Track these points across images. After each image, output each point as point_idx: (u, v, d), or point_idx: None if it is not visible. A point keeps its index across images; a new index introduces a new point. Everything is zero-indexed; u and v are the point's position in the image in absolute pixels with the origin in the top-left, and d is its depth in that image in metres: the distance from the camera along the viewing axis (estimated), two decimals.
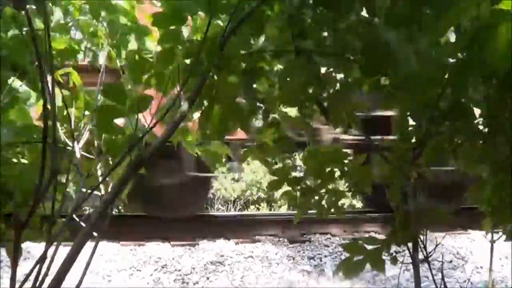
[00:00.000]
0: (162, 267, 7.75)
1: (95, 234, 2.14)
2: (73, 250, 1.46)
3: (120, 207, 16.06)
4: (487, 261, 8.06)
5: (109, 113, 1.94)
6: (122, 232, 8.97)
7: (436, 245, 2.26)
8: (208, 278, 7.47)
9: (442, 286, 2.71)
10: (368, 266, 6.98)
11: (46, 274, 1.56)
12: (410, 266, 6.91)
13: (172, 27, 2.19)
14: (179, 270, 7.66)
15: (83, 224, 1.83)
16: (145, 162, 1.59)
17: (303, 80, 2.21)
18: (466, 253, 8.65)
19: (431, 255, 2.21)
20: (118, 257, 8.01)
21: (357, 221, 9.87)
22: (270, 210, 14.24)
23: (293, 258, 8.19)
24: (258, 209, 15.53)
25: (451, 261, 8.37)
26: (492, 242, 2.39)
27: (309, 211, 2.74)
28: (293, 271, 7.74)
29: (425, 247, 2.21)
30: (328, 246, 8.47)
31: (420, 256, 2.33)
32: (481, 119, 2.16)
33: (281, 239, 9.07)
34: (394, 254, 2.19)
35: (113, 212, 1.98)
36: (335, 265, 7.83)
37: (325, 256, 8.12)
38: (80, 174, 1.82)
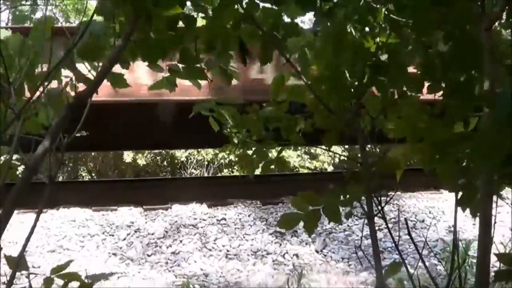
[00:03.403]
0: (135, 231, 7.73)
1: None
2: None
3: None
4: (459, 220, 8.17)
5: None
6: (94, 198, 9.00)
7: (388, 200, 2.24)
8: (181, 241, 7.46)
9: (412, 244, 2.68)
10: (341, 226, 6.96)
11: None
12: (383, 227, 6.90)
13: None
14: (152, 234, 7.65)
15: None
16: (83, 103, 1.53)
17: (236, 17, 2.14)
18: (438, 212, 8.74)
19: (383, 207, 2.18)
20: (91, 223, 7.97)
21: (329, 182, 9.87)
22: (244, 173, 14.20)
23: (266, 220, 8.21)
24: (232, 172, 15.56)
25: (423, 220, 8.44)
26: (457, 199, 2.36)
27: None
28: (266, 233, 7.75)
29: (380, 202, 2.19)
30: None
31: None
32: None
33: (253, 201, 9.08)
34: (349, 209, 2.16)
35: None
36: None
37: None
38: (17, 117, 1.72)
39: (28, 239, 1.97)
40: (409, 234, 2.85)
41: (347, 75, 2.16)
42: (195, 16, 2.18)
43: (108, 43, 2.00)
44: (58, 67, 1.84)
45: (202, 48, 2.21)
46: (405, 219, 3.06)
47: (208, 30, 2.14)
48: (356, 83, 2.16)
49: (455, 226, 2.36)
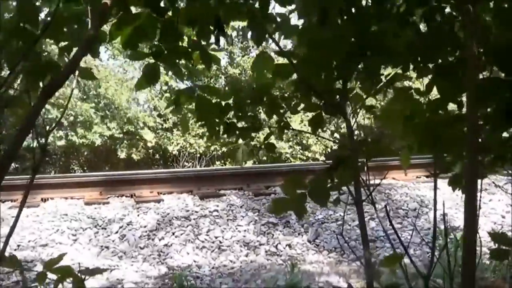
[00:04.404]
0: (128, 224, 7.71)
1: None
2: None
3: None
4: (451, 208, 8.20)
5: None
6: (86, 191, 9.00)
7: (377, 185, 2.23)
8: (173, 234, 7.45)
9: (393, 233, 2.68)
10: (334, 216, 6.95)
11: None
12: (375, 216, 6.88)
13: None
14: (145, 227, 7.63)
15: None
16: (58, 87, 1.51)
17: None
18: (430, 201, 8.77)
19: (372, 191, 2.18)
20: (83, 216, 7.95)
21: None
22: (235, 164, 14.17)
23: (258, 211, 8.22)
24: (224, 164, 15.55)
25: (415, 209, 8.47)
26: (435, 177, 2.39)
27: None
28: (259, 224, 7.76)
29: (368, 188, 2.18)
30: None
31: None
32: None
33: (246, 192, 9.11)
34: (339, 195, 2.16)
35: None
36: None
37: None
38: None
39: (10, 233, 1.94)
40: (390, 222, 2.85)
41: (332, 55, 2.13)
42: None
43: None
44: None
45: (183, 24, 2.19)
46: (385, 206, 3.05)
47: (190, 6, 2.13)
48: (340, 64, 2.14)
49: (434, 209, 2.37)
